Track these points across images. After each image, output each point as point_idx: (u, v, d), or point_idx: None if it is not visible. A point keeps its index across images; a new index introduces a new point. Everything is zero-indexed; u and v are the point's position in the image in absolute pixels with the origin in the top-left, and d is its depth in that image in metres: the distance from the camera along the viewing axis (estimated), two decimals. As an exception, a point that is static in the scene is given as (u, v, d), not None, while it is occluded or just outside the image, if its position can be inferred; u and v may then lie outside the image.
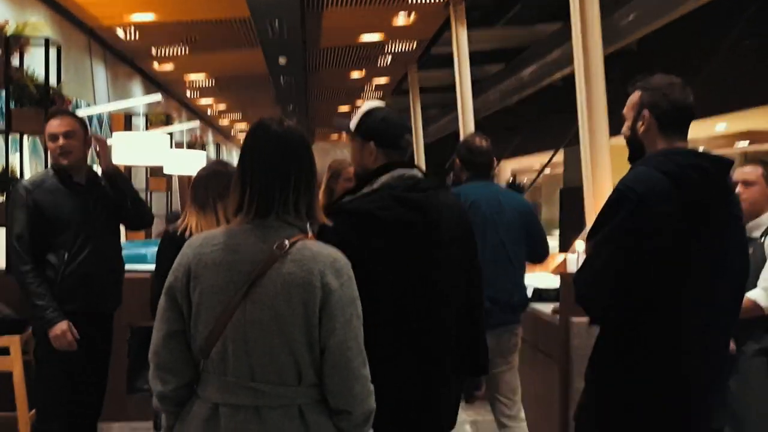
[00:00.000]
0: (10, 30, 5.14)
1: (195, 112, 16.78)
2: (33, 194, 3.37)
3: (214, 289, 1.77)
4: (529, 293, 4.38)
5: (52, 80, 5.31)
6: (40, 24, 5.40)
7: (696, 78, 10.00)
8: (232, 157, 24.73)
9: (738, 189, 3.13)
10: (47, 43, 5.25)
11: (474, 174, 3.84)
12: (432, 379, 2.31)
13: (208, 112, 17.37)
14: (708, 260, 2.16)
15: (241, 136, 25.37)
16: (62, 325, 3.30)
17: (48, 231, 3.37)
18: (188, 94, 14.38)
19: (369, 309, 1.89)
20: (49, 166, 3.70)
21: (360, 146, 2.36)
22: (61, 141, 3.38)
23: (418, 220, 2.26)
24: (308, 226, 1.90)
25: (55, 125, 3.42)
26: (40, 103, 5.20)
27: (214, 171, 2.96)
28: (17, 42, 5.15)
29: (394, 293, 2.23)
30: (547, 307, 4.36)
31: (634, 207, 2.10)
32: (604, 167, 5.60)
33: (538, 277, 4.91)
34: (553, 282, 4.65)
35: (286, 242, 1.77)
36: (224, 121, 19.81)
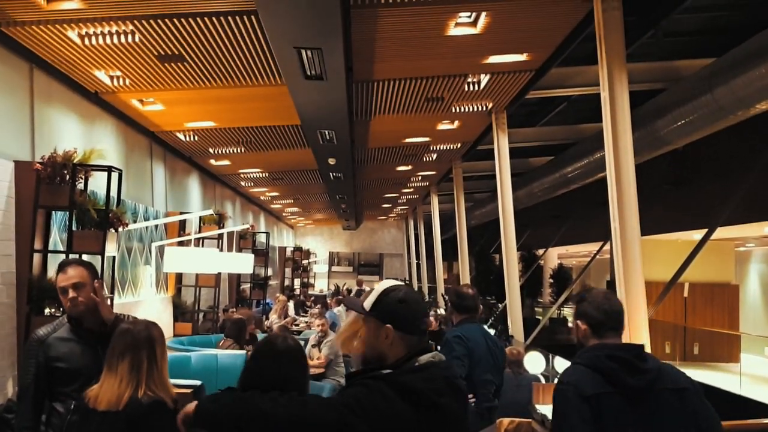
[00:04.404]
0: (77, 157, 5.56)
1: (248, 198, 17.34)
2: (45, 345, 3.38)
3: None
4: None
5: (113, 193, 5.65)
6: (104, 151, 5.80)
7: (743, 183, 10.00)
8: (283, 238, 25.21)
9: None
10: (110, 172, 5.65)
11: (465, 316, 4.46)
12: None
13: (261, 198, 17.91)
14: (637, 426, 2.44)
15: (293, 219, 25.93)
16: None
17: (57, 380, 3.35)
18: (243, 183, 14.93)
19: None
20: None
21: (375, 328, 2.17)
22: (70, 294, 3.39)
23: (458, 407, 2.18)
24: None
25: (63, 279, 3.42)
26: (99, 225, 5.60)
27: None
28: (83, 168, 5.57)
29: None
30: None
31: (572, 396, 2.45)
32: (634, 262, 5.88)
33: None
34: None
35: None
36: (276, 206, 20.34)
